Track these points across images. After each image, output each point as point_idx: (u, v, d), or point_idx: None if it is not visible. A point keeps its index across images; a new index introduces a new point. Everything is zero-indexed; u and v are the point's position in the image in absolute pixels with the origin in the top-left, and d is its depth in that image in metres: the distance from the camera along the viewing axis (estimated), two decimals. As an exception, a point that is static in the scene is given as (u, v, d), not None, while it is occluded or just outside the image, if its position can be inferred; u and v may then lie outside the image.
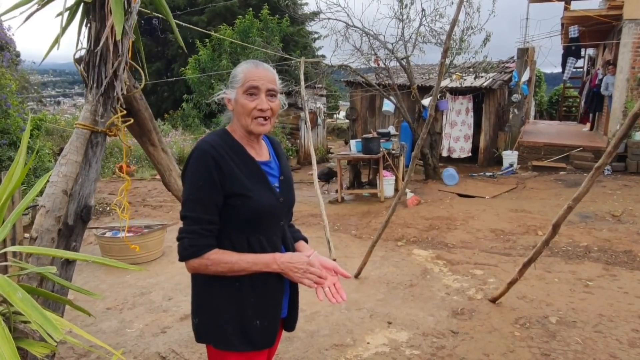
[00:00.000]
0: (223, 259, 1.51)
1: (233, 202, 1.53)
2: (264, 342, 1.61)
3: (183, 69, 15.96)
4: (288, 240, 1.71)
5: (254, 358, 1.63)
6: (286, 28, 15.73)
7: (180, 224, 1.58)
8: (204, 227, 1.51)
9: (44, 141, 8.99)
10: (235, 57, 14.71)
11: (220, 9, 19.03)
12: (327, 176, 9.24)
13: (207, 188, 1.51)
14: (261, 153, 1.69)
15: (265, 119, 1.59)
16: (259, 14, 15.37)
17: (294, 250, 1.74)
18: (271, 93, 1.59)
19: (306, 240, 1.84)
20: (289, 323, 1.77)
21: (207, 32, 7.72)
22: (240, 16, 15.42)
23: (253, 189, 1.56)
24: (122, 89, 2.04)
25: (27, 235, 3.31)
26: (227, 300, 1.57)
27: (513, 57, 12.16)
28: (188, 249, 1.51)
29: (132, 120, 2.28)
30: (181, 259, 1.54)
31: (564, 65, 13.02)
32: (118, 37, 1.90)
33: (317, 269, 1.57)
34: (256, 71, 1.58)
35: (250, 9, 15.43)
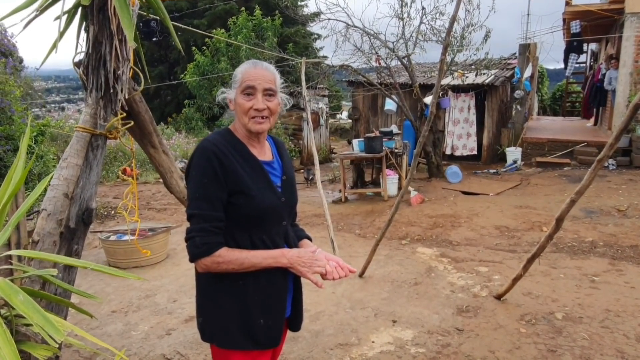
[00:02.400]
0: (234, 256, 1.51)
1: (235, 201, 1.54)
2: (268, 341, 1.61)
3: (182, 75, 15.98)
4: (291, 240, 1.72)
5: (258, 357, 1.63)
6: (279, 26, 15.71)
7: (186, 226, 1.57)
8: (213, 224, 1.51)
9: (49, 146, 9.03)
10: (235, 60, 14.72)
11: (220, 12, 19.08)
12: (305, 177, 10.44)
13: (212, 184, 1.51)
14: (264, 153, 1.69)
15: (262, 117, 1.59)
16: (254, 14, 15.38)
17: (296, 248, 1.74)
18: (269, 93, 1.59)
19: (310, 239, 1.84)
20: (294, 323, 1.78)
21: (207, 34, 7.74)
22: (233, 17, 15.41)
23: (255, 187, 1.56)
24: (123, 92, 2.05)
25: (31, 239, 3.34)
26: (231, 299, 1.57)
27: (515, 53, 12.11)
28: (200, 247, 1.50)
29: (132, 123, 2.29)
30: (193, 258, 1.52)
31: (566, 61, 12.96)
32: (130, 44, 1.91)
33: (323, 262, 1.58)
34: (254, 71, 1.59)
35: (243, 8, 15.41)
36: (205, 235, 1.50)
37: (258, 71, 1.59)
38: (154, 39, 19.72)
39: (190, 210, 1.55)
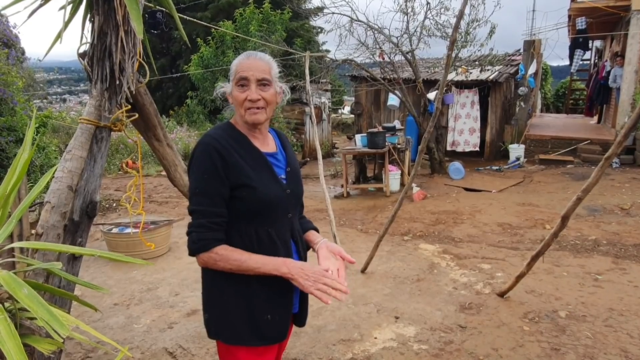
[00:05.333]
0: (232, 256, 1.50)
1: (239, 194, 1.53)
2: (275, 336, 1.61)
3: (186, 66, 15.91)
4: (296, 233, 1.70)
5: (264, 353, 1.63)
6: (288, 21, 15.63)
7: (188, 219, 1.57)
8: (211, 220, 1.50)
9: (50, 138, 9.01)
10: (239, 52, 14.64)
11: (223, 5, 18.97)
12: None
13: (213, 180, 1.50)
14: (267, 144, 1.68)
15: (258, 108, 1.57)
16: (261, 7, 15.30)
17: (302, 242, 1.74)
18: (263, 83, 1.56)
19: (317, 230, 1.82)
20: (300, 318, 1.77)
21: (211, 26, 7.70)
22: (240, 9, 15.32)
23: (258, 179, 1.55)
24: (129, 84, 2.02)
25: (34, 231, 3.32)
26: (237, 295, 1.56)
27: (519, 49, 12.05)
28: (197, 243, 1.50)
29: (137, 115, 2.27)
30: (190, 254, 1.53)
31: (571, 57, 12.89)
32: (140, 36, 1.89)
33: (333, 279, 1.48)
34: (246, 62, 1.56)
35: (251, 1, 15.33)
36: (202, 232, 1.50)
37: (251, 62, 1.56)
38: (156, 31, 19.62)
39: (191, 206, 1.55)
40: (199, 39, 15.06)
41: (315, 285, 1.46)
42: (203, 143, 1.54)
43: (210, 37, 15.01)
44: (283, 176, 1.66)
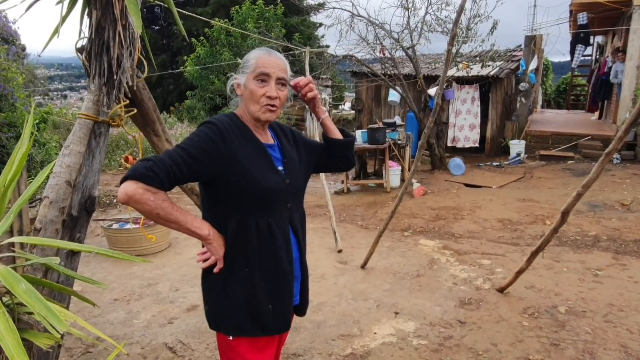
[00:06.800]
0: (164, 204, 1.41)
1: (236, 185, 1.53)
2: (276, 326, 1.62)
3: (183, 67, 15.89)
4: (296, 224, 1.71)
5: (265, 347, 1.63)
6: (282, 16, 15.60)
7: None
8: (174, 170, 1.42)
9: (51, 134, 9.00)
10: (236, 49, 14.62)
11: (224, 1, 18.93)
12: None
13: (202, 149, 1.47)
14: (267, 138, 1.70)
15: (272, 106, 1.58)
16: (256, 4, 15.27)
17: (302, 234, 1.74)
18: (281, 82, 1.60)
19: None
20: (301, 309, 1.80)
21: (211, 21, 7.70)
22: (236, 6, 15.28)
23: (257, 170, 1.56)
24: (127, 79, 2.02)
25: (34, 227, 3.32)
26: (238, 287, 1.57)
27: (520, 45, 12.00)
28: (148, 171, 1.37)
29: (135, 110, 2.26)
30: (130, 177, 1.37)
31: (572, 52, 12.84)
32: (138, 30, 1.88)
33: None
34: (269, 58, 1.58)
35: None
36: (160, 168, 1.39)
37: (273, 59, 1.58)
38: (157, 27, 19.61)
39: (170, 151, 1.48)
40: (194, 40, 15.03)
41: (217, 255, 1.56)
42: (208, 121, 1.56)
43: (202, 37, 14.98)
44: (281, 167, 1.67)
